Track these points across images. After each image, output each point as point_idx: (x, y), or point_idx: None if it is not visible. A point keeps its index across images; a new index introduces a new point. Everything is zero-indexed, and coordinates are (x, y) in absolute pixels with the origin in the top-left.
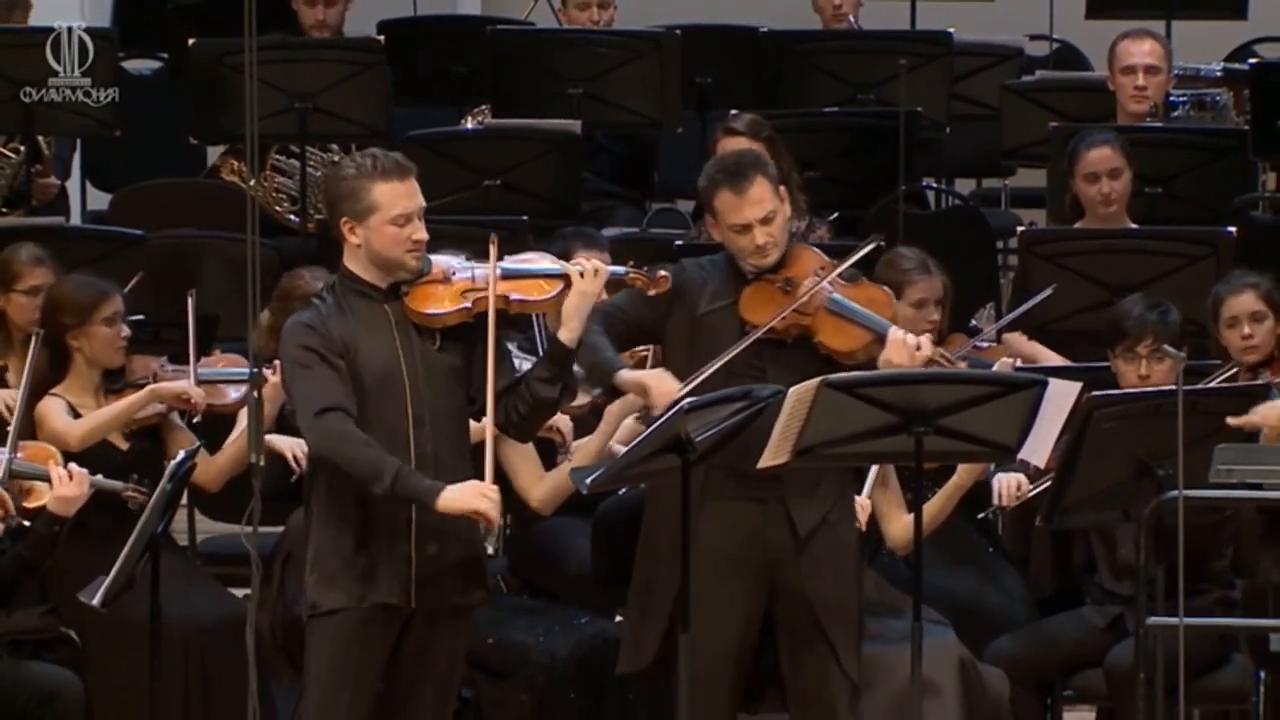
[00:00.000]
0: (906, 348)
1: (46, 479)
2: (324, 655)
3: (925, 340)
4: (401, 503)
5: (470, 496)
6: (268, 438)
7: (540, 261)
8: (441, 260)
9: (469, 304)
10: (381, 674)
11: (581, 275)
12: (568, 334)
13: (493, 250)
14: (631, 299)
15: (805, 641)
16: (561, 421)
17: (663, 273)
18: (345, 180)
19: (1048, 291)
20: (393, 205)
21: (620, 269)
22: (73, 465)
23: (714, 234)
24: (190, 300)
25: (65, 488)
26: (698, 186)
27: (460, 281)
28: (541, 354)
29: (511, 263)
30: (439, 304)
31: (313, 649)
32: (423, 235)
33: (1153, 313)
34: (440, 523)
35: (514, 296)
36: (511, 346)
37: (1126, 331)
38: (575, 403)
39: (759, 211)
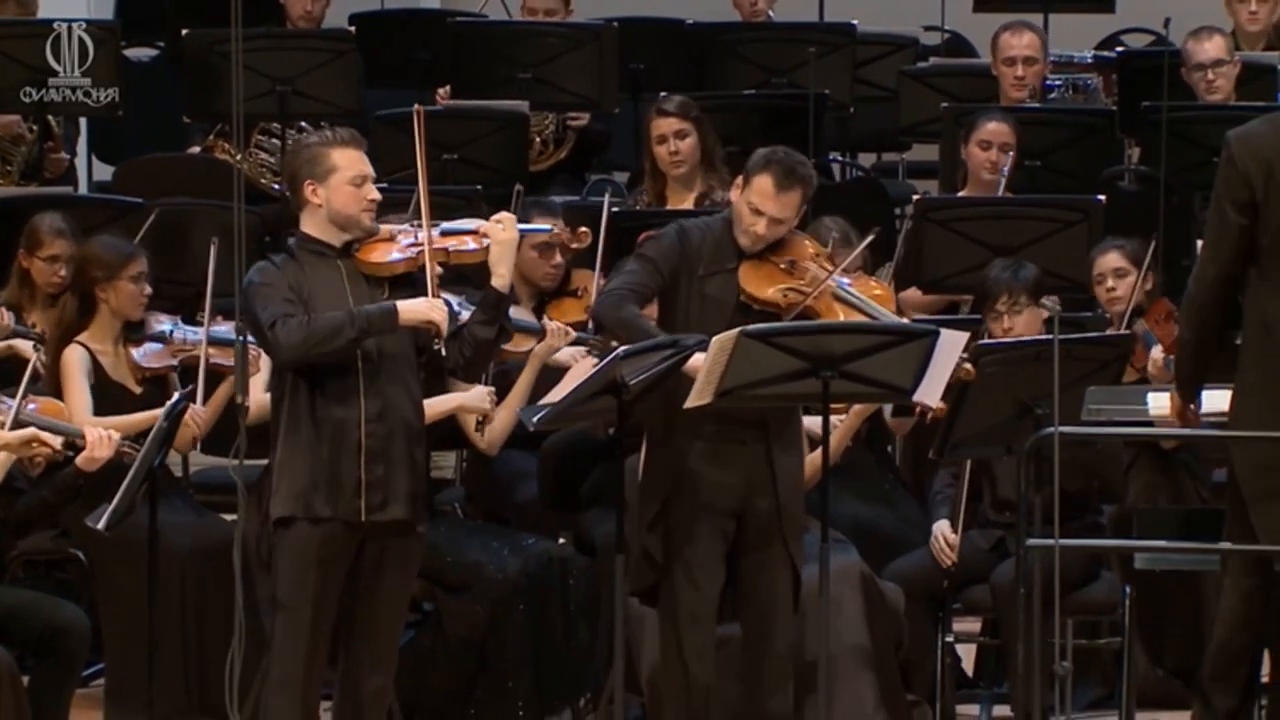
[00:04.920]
0: None
1: (81, 437)
2: (286, 571)
3: None
4: (369, 336)
5: (424, 309)
6: None
7: (472, 221)
8: (388, 224)
9: (412, 254)
10: (341, 592)
11: (500, 225)
12: (498, 280)
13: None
14: (643, 270)
15: (771, 561)
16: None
17: (582, 229)
18: (307, 148)
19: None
20: (350, 167)
21: (545, 227)
22: (103, 431)
23: (733, 195)
24: (212, 250)
25: (99, 450)
26: (753, 154)
27: (404, 240)
28: None
29: (447, 224)
30: (386, 254)
31: (278, 563)
32: (376, 196)
33: (1007, 273)
34: (388, 447)
35: (451, 248)
36: (457, 300)
37: (988, 292)
38: (517, 349)
39: (778, 212)
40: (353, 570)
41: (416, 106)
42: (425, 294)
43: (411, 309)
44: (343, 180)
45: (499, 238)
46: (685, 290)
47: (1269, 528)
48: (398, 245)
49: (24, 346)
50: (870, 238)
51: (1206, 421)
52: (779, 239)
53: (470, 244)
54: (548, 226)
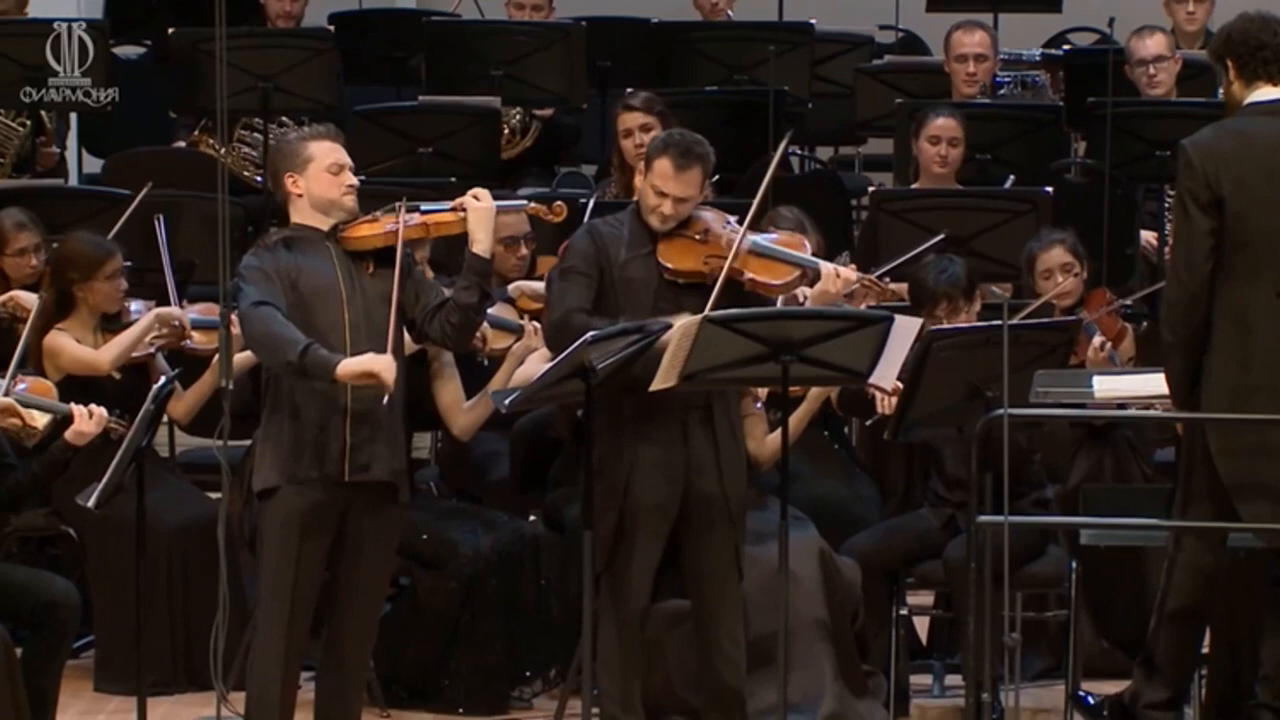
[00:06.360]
0: (839, 277)
1: (68, 415)
2: (271, 540)
3: (850, 268)
4: (306, 374)
5: (365, 362)
6: None
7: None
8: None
9: (393, 229)
10: (325, 560)
11: (476, 198)
12: (478, 246)
13: (401, 210)
14: (572, 282)
15: (717, 542)
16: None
17: (558, 203)
18: (286, 144)
19: (938, 238)
20: (326, 156)
21: (520, 201)
22: (94, 406)
23: (638, 180)
24: (158, 225)
25: (85, 425)
26: (651, 140)
27: (386, 220)
28: None
29: (427, 206)
30: (367, 231)
31: (262, 533)
32: (354, 181)
33: (942, 277)
34: (373, 412)
35: (432, 223)
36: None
37: (923, 300)
38: (497, 346)
39: (681, 191)
40: (335, 543)
41: (403, 199)
42: (406, 270)
43: (350, 366)
44: (320, 168)
45: (475, 207)
46: (609, 278)
47: (1254, 516)
48: (380, 224)
49: (25, 297)
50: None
51: (1145, 402)
52: (688, 217)
53: (450, 220)
54: (523, 201)
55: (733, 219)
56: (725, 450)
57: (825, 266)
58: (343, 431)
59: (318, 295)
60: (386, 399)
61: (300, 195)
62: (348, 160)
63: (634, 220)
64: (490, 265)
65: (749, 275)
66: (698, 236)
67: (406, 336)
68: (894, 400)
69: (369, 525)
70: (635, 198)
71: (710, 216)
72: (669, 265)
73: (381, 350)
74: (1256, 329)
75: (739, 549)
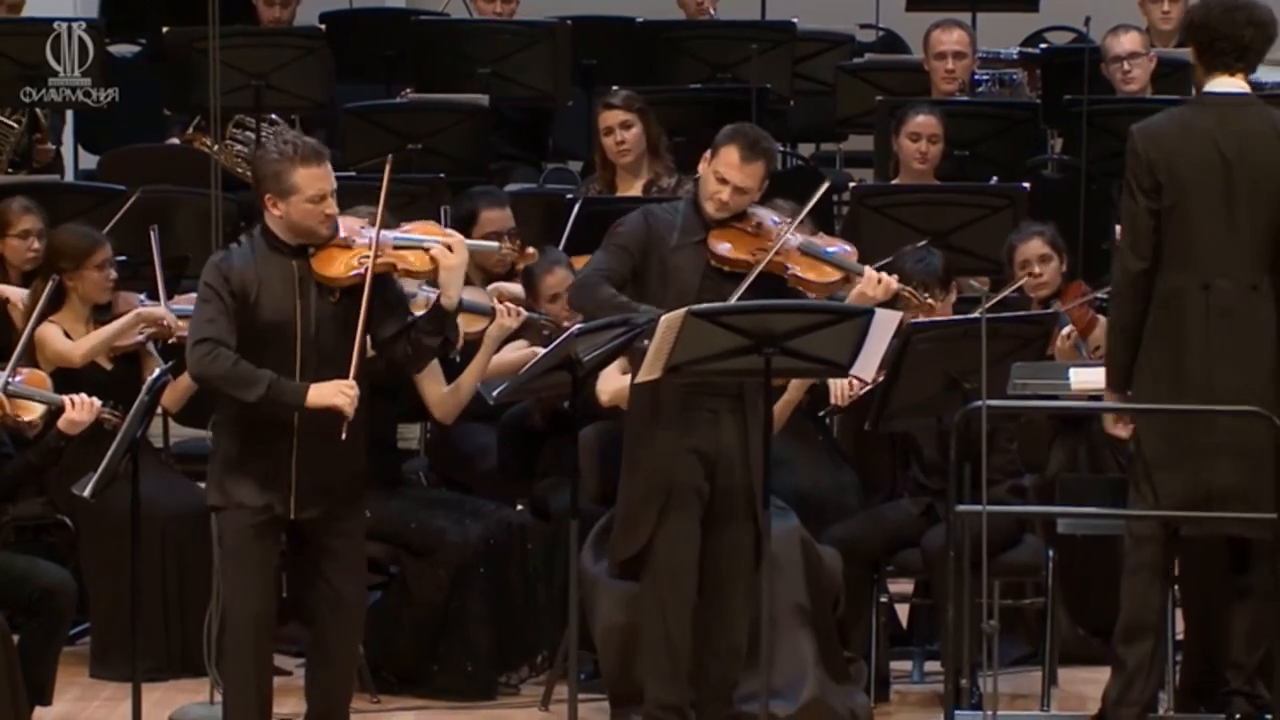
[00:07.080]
0: (881, 285)
1: (60, 405)
2: (227, 543)
3: (892, 278)
4: (274, 406)
5: (330, 393)
6: None
7: (428, 232)
8: (347, 223)
9: (362, 269)
10: (279, 552)
11: (450, 250)
12: (446, 300)
13: (386, 169)
14: (613, 253)
15: (735, 521)
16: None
17: (530, 250)
18: (271, 162)
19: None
20: (310, 186)
21: (494, 244)
22: (85, 396)
23: (701, 166)
24: (153, 235)
25: (78, 413)
26: (721, 130)
27: (359, 247)
28: None
29: (402, 233)
30: (336, 268)
31: (220, 537)
32: (334, 210)
33: (919, 266)
34: (321, 446)
35: (400, 266)
36: (417, 284)
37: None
38: (470, 330)
39: (742, 181)
40: (300, 543)
41: (389, 156)
42: (379, 298)
43: (319, 395)
44: (302, 199)
45: (447, 263)
46: (655, 264)
47: (1170, 493)
48: (349, 257)
49: (13, 291)
50: (822, 189)
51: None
52: (743, 211)
53: (419, 264)
54: (495, 245)
55: (787, 218)
56: (754, 441)
57: (868, 271)
58: (289, 473)
59: (272, 328)
60: (345, 432)
61: (279, 217)
62: (331, 185)
63: (689, 209)
64: (454, 316)
65: (793, 271)
66: (750, 229)
67: None
68: (849, 391)
69: (331, 531)
70: (692, 190)
71: (765, 213)
72: (717, 252)
73: (338, 375)
74: (1187, 319)
75: (759, 541)
